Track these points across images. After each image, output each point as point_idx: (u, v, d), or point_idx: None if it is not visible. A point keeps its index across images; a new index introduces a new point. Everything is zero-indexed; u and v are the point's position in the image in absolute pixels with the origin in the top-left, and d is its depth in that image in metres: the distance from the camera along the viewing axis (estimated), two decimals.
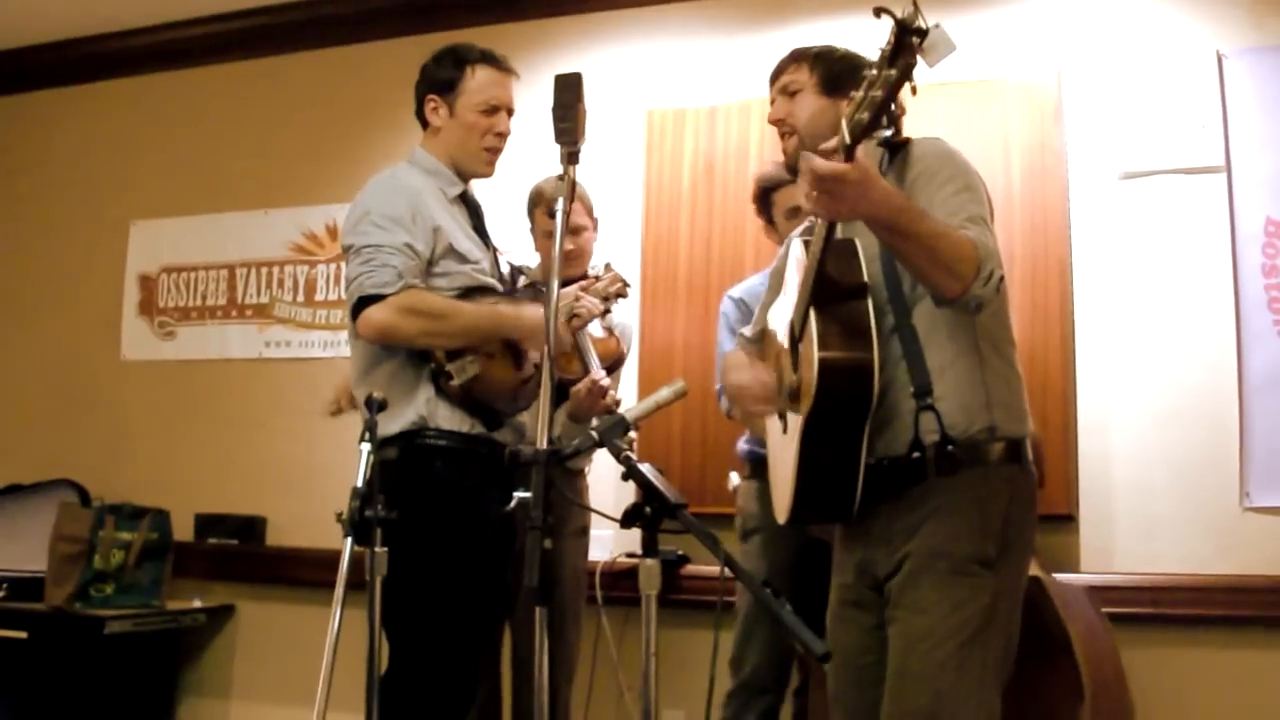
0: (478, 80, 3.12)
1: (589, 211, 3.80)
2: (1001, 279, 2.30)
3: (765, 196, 3.65)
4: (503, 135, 3.16)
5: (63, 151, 5.56)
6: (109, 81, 5.50)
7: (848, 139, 2.07)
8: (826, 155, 2.12)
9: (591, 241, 3.82)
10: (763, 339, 2.79)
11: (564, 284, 3.47)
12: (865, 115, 2.02)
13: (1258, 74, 3.76)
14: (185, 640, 4.86)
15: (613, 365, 3.67)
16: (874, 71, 1.99)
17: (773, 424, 2.65)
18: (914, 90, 1.99)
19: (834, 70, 2.58)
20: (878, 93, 1.99)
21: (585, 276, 3.69)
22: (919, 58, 1.95)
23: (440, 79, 3.14)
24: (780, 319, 2.62)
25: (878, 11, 1.95)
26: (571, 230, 3.66)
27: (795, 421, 2.40)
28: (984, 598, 2.30)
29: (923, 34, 1.92)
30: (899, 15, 1.93)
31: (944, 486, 2.33)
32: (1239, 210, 3.72)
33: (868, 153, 2.39)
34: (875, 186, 2.14)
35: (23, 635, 4.40)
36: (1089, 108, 3.96)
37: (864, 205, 2.15)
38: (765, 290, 2.86)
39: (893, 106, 2.02)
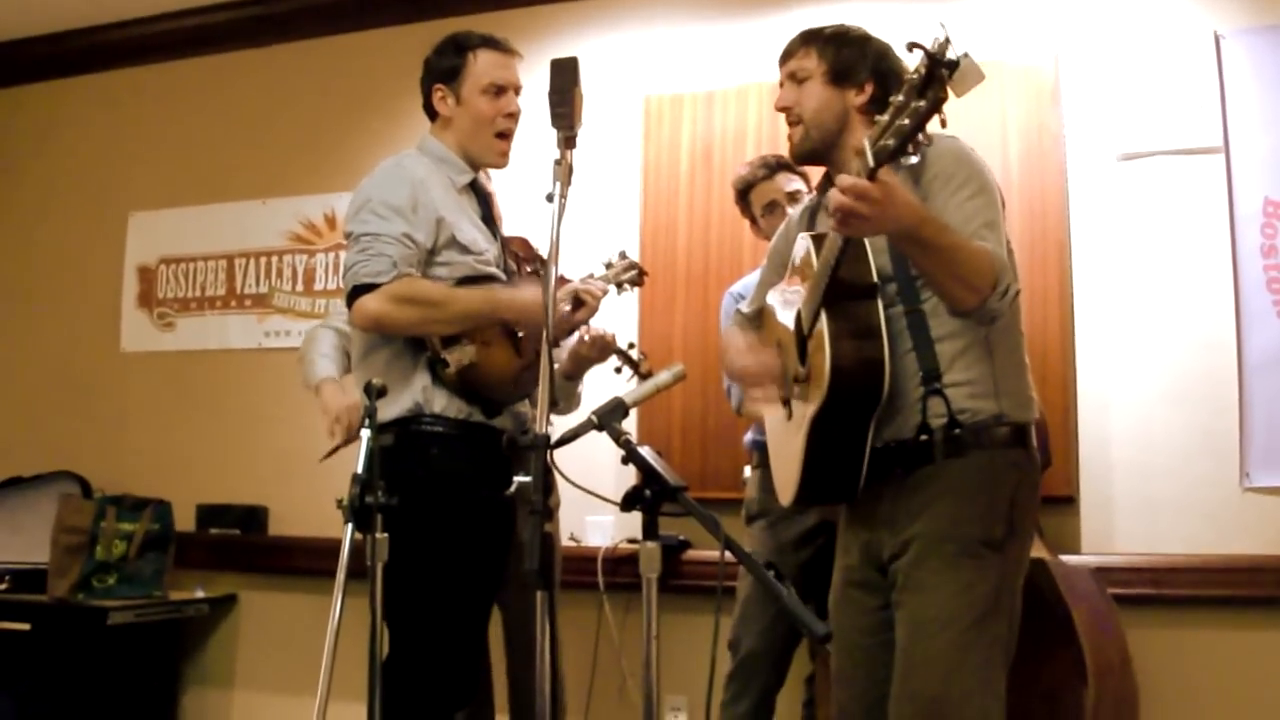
0: (481, 64, 3.10)
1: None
2: (1017, 293, 2.35)
3: (743, 197, 3.68)
4: (513, 116, 3.14)
5: (61, 143, 5.56)
6: (107, 73, 5.49)
7: (871, 162, 2.06)
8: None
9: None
10: (761, 317, 2.79)
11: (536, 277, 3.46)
12: (891, 142, 2.02)
13: (1255, 54, 3.75)
14: (188, 630, 4.87)
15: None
16: (902, 99, 1.99)
17: (773, 407, 2.65)
18: (944, 122, 1.99)
19: (843, 58, 2.56)
20: (905, 122, 1.99)
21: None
22: (949, 90, 1.95)
23: (444, 67, 3.12)
24: (780, 302, 2.62)
25: (910, 46, 1.95)
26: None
27: (802, 411, 2.43)
28: (991, 580, 2.32)
29: (954, 66, 1.93)
30: (930, 48, 1.92)
31: (951, 469, 2.36)
32: (1237, 191, 3.72)
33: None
34: (897, 202, 2.14)
35: (25, 627, 4.42)
36: (1087, 90, 3.95)
37: (887, 223, 2.16)
38: (764, 269, 2.86)
39: (920, 136, 2.01)
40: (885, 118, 2.03)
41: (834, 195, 2.14)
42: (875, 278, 2.36)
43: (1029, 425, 2.45)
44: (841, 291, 2.33)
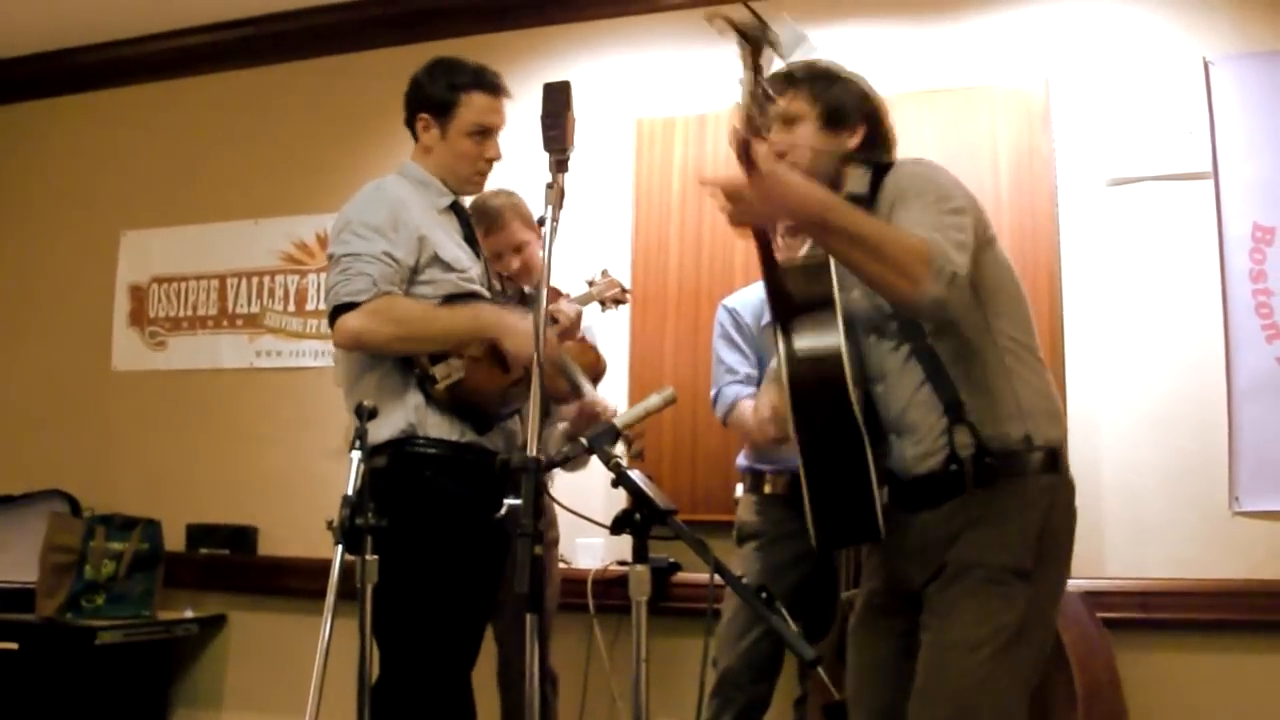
0: (471, 107, 3.11)
1: (529, 224, 3.68)
2: (955, 275, 2.19)
3: None
4: (492, 160, 3.18)
5: (53, 162, 5.56)
6: (99, 92, 5.49)
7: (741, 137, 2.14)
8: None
9: (536, 254, 3.68)
10: None
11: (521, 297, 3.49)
12: (754, 112, 2.12)
13: (1244, 80, 3.78)
14: (177, 651, 4.85)
15: (595, 379, 3.65)
16: (744, 74, 2.12)
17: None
18: (771, 96, 2.17)
19: (834, 97, 2.53)
20: (758, 90, 2.11)
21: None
22: (775, 56, 2.09)
23: (433, 100, 3.12)
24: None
25: (718, 26, 2.06)
26: (514, 248, 3.62)
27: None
28: (1017, 609, 2.27)
29: (765, 32, 2.10)
30: (736, 21, 2.11)
31: (983, 498, 2.32)
32: (1226, 216, 3.74)
33: (854, 176, 2.41)
34: (781, 183, 2.19)
35: (13, 646, 4.40)
36: (1077, 114, 3.97)
37: (776, 206, 2.21)
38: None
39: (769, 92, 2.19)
40: (741, 101, 2.15)
41: (714, 194, 2.18)
42: (835, 291, 2.33)
43: (1059, 447, 2.39)
44: (791, 308, 2.32)
